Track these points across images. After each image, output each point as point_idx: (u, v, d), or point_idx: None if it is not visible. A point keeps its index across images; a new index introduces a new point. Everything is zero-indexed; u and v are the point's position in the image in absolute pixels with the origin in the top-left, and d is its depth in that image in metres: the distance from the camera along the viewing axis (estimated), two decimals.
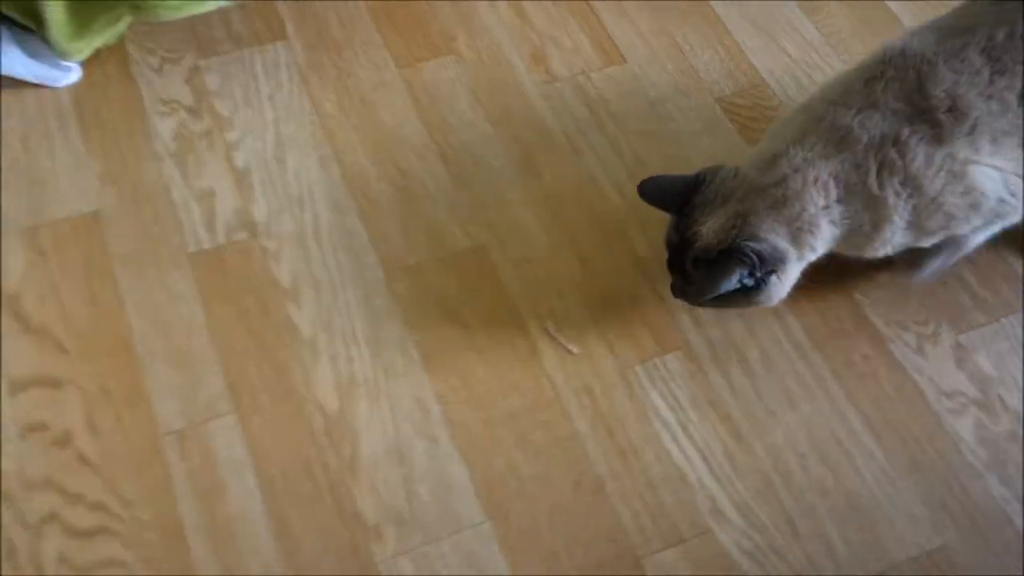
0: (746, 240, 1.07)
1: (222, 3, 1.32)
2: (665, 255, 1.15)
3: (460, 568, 1.05)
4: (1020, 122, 1.06)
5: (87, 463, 1.10)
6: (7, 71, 1.36)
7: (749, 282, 1.08)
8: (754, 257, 1.07)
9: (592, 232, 1.29)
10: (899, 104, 1.08)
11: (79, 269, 1.23)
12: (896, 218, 1.08)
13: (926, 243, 1.14)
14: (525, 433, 1.13)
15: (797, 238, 1.09)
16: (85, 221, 1.27)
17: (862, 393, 1.17)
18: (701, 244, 1.10)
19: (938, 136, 1.06)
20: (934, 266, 1.21)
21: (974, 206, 1.09)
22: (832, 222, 1.09)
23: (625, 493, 1.10)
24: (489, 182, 1.32)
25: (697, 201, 1.12)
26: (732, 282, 1.07)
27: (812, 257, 1.12)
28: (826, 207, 1.08)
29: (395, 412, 1.14)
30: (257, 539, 1.06)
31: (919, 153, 1.06)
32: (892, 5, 1.53)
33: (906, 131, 1.07)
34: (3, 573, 1.03)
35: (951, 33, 1.10)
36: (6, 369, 1.15)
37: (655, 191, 1.15)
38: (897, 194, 1.07)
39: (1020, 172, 1.09)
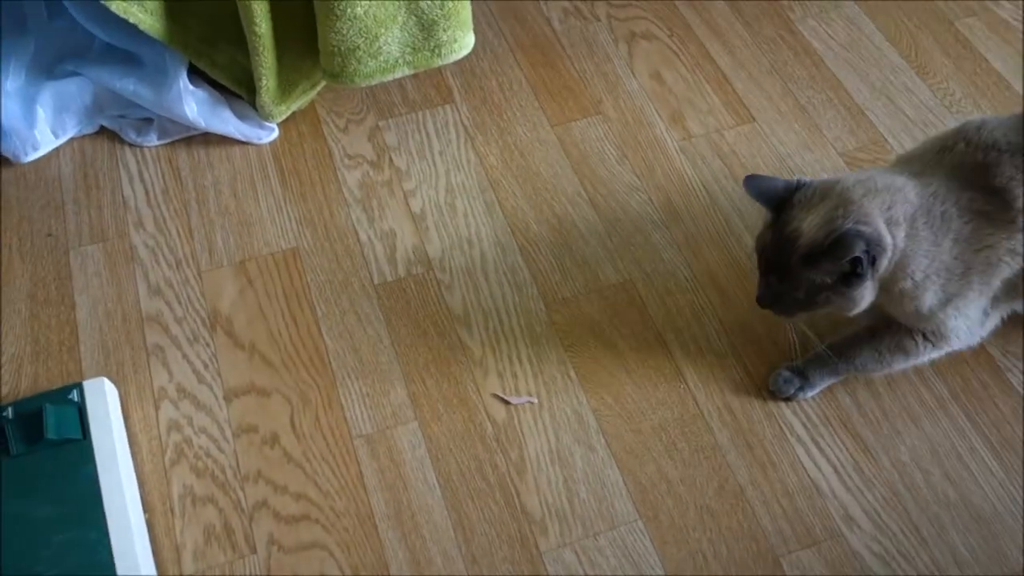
0: (855, 223, 1.12)
1: (405, 71, 1.53)
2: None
3: (617, 560, 1.19)
4: None
5: (291, 460, 1.28)
6: (220, 130, 1.59)
7: (864, 263, 1.12)
8: (866, 236, 1.11)
9: (728, 269, 1.43)
10: (965, 174, 1.17)
11: (281, 296, 1.43)
12: (932, 267, 1.15)
13: (923, 314, 1.20)
14: (672, 443, 1.27)
15: (889, 230, 1.13)
16: (285, 256, 1.48)
17: (981, 415, 1.28)
18: (806, 240, 1.14)
19: (989, 215, 1.15)
20: (825, 381, 1.30)
21: (980, 294, 1.18)
22: (900, 236, 1.14)
23: (764, 499, 1.22)
24: (636, 226, 1.48)
25: (796, 200, 1.18)
26: (853, 255, 1.11)
27: (887, 271, 1.15)
28: (901, 218, 1.14)
29: (556, 423, 1.30)
30: (438, 528, 1.22)
31: (972, 220, 1.15)
32: (1002, 70, 1.66)
33: (966, 196, 1.16)
34: (223, 553, 1.21)
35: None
36: (223, 380, 1.35)
37: (759, 186, 1.21)
38: (950, 250, 1.15)
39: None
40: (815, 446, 1.26)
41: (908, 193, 1.16)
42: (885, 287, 1.17)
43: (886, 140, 1.57)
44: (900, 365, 1.27)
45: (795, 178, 1.21)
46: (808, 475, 1.24)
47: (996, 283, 1.18)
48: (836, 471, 1.24)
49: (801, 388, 1.29)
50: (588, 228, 1.49)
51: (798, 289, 1.17)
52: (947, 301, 1.18)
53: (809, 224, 1.15)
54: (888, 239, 1.13)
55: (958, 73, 1.66)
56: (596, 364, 1.35)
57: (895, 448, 1.26)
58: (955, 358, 1.31)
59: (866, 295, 1.16)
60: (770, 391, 1.30)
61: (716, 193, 1.52)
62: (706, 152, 1.58)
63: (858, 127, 1.59)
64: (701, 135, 1.60)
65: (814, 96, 1.64)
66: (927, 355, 1.24)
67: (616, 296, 1.41)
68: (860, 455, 1.25)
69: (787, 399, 1.30)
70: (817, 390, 1.30)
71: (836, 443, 1.26)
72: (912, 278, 1.16)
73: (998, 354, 1.33)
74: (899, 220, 1.14)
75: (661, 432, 1.28)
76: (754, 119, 1.62)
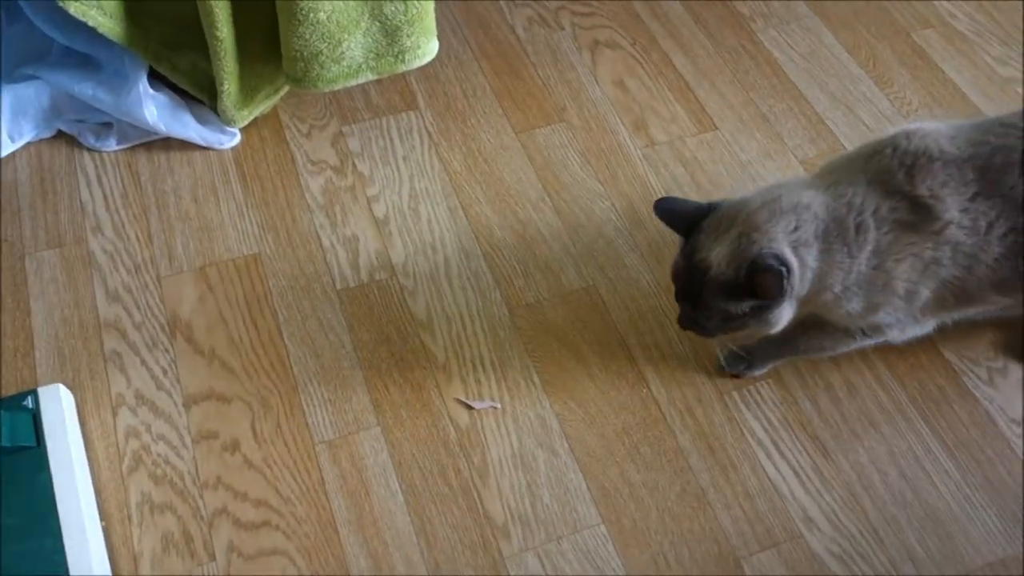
0: (762, 249, 1.10)
1: (369, 77, 1.53)
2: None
3: (579, 563, 1.19)
4: (980, 253, 1.11)
5: (252, 466, 1.27)
6: (181, 135, 1.58)
7: (788, 288, 1.10)
8: (779, 259, 1.10)
9: None
10: (887, 182, 1.13)
11: (242, 301, 1.42)
12: (851, 279, 1.13)
13: (853, 317, 1.18)
14: (635, 446, 1.27)
15: (796, 251, 1.11)
16: (247, 261, 1.47)
17: (938, 419, 1.29)
18: (716, 272, 1.12)
19: (913, 225, 1.12)
20: (770, 363, 1.32)
21: (910, 305, 1.16)
22: (812, 256, 1.12)
23: (726, 502, 1.23)
24: (599, 231, 1.49)
25: (704, 226, 1.16)
26: (783, 288, 1.09)
27: (803, 288, 1.13)
28: (810, 238, 1.12)
29: (519, 427, 1.30)
30: (400, 533, 1.21)
31: (892, 230, 1.12)
32: (958, 81, 1.69)
33: (886, 206, 1.13)
34: (182, 562, 1.19)
35: (965, 141, 1.14)
36: (182, 386, 1.34)
37: (668, 210, 1.20)
38: (868, 261, 1.12)
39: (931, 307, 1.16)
40: (775, 449, 1.27)
41: (816, 209, 1.13)
42: (809, 300, 1.16)
43: (845, 148, 1.59)
44: (842, 350, 1.28)
45: (706, 201, 1.20)
46: (768, 478, 1.25)
47: (924, 292, 1.15)
48: (796, 473, 1.25)
49: (748, 366, 1.31)
50: (551, 234, 1.50)
51: (712, 317, 1.16)
52: (875, 306, 1.17)
53: (717, 255, 1.13)
54: (794, 262, 1.11)
55: (915, 83, 1.69)
56: (559, 369, 1.35)
57: (854, 451, 1.27)
58: (913, 364, 1.33)
59: (783, 317, 1.15)
60: (719, 366, 1.33)
61: None
62: (669, 159, 1.59)
63: (818, 135, 1.61)
64: (664, 142, 1.61)
65: (775, 105, 1.66)
66: (866, 342, 1.25)
67: (579, 301, 1.42)
68: (819, 458, 1.26)
69: (734, 376, 1.32)
70: (764, 369, 1.33)
71: (796, 446, 1.27)
72: (832, 291, 1.14)
73: (954, 359, 1.34)
74: (808, 240, 1.12)
75: (624, 436, 1.29)
76: (716, 127, 1.63)
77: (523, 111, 1.66)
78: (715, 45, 1.76)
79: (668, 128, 1.63)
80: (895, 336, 1.23)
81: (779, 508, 1.22)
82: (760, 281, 1.10)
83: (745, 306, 1.13)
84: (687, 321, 1.20)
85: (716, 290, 1.13)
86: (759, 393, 1.32)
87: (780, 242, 1.11)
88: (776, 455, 1.27)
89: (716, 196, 1.51)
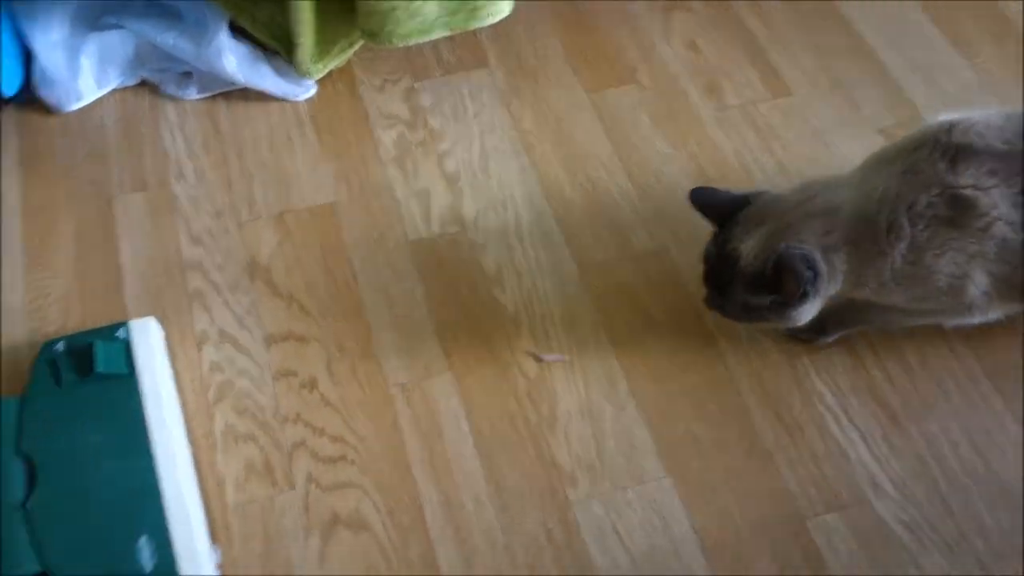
0: (791, 247, 1.11)
1: (442, 33, 1.54)
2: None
3: (644, 513, 1.21)
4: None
5: (329, 404, 1.30)
6: (258, 86, 1.61)
7: (810, 288, 1.12)
8: (807, 260, 1.11)
9: None
10: (924, 177, 1.10)
11: (318, 249, 1.45)
12: (886, 276, 1.13)
13: (901, 307, 1.19)
14: (701, 404, 1.29)
15: (826, 255, 1.12)
16: (322, 210, 1.50)
17: (1014, 393, 1.28)
18: (744, 263, 1.14)
19: (952, 220, 1.09)
20: (841, 330, 1.31)
21: (957, 298, 1.14)
22: (841, 259, 1.13)
23: (792, 463, 1.24)
24: (669, 193, 1.49)
25: (740, 218, 1.18)
26: (803, 286, 1.11)
27: (833, 288, 1.14)
28: (840, 242, 1.12)
29: (587, 381, 1.31)
30: (470, 475, 1.24)
31: (929, 226, 1.09)
32: None
33: (923, 201, 1.10)
34: (263, 487, 1.23)
35: (1013, 133, 1.11)
36: (263, 326, 1.37)
37: (703, 199, 1.22)
38: (903, 257, 1.11)
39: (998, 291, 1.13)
40: (844, 414, 1.27)
41: (847, 211, 1.13)
42: (848, 293, 1.17)
43: (924, 119, 1.57)
44: (913, 324, 1.28)
45: (743, 191, 1.21)
46: (836, 442, 1.25)
47: (969, 286, 1.13)
48: (864, 439, 1.25)
49: (820, 333, 1.31)
50: (621, 194, 1.50)
51: (734, 306, 1.19)
52: (919, 298, 1.16)
53: (747, 247, 1.15)
54: (823, 267, 1.12)
55: (999, 55, 1.65)
56: (627, 326, 1.36)
57: (924, 420, 1.27)
58: (988, 336, 1.31)
59: (804, 315, 1.17)
60: (787, 331, 1.32)
61: (749, 164, 1.53)
62: (740, 124, 1.58)
63: (897, 105, 1.59)
64: (736, 106, 1.61)
65: (852, 71, 1.64)
66: (930, 321, 1.25)
67: (649, 262, 1.43)
68: (889, 425, 1.26)
69: (805, 341, 1.32)
70: (835, 337, 1.32)
71: (865, 412, 1.27)
72: (868, 287, 1.15)
73: None
74: (837, 245, 1.12)
75: (691, 394, 1.30)
76: (790, 92, 1.62)
77: (594, 71, 1.67)
78: (791, 8, 1.74)
79: (741, 92, 1.63)
80: (951, 322, 1.23)
81: (846, 472, 1.23)
82: (784, 279, 1.12)
83: (766, 300, 1.15)
84: (713, 303, 1.23)
85: (741, 281, 1.16)
86: (829, 359, 1.32)
87: (811, 244, 1.12)
88: (845, 420, 1.27)
89: (788, 164, 1.53)
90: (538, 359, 1.33)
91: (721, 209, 1.21)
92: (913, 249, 1.11)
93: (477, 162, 1.55)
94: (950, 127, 1.13)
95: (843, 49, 1.68)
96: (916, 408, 1.28)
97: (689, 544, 1.18)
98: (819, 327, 1.30)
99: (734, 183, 1.50)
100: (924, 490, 1.21)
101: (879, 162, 1.19)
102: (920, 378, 1.30)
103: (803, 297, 1.13)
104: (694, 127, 1.58)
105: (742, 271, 1.15)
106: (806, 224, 1.13)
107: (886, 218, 1.11)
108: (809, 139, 1.56)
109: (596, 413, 1.29)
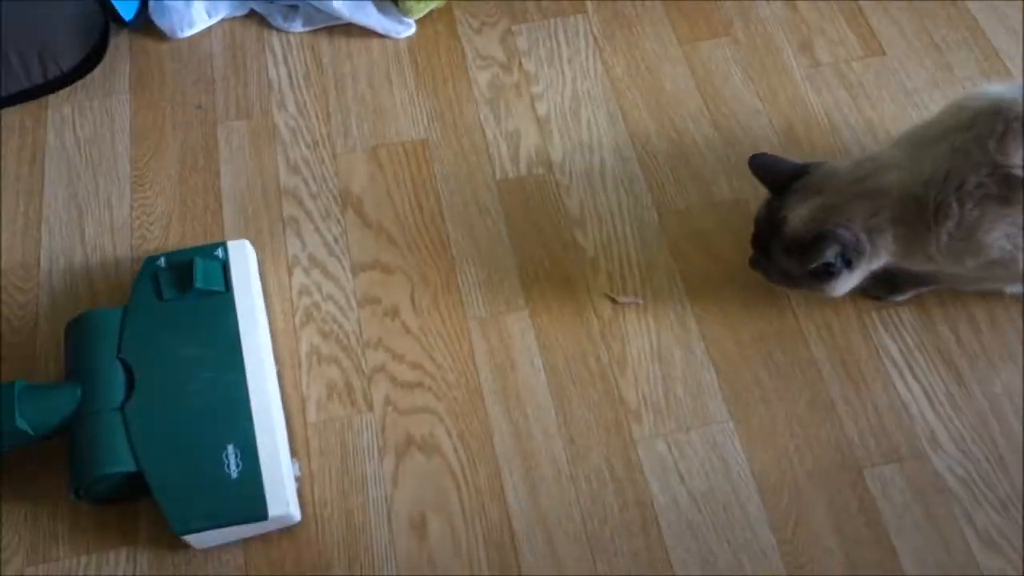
0: (835, 226, 1.17)
1: None
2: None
3: (706, 454, 1.26)
4: None
5: (410, 332, 1.38)
6: (361, 22, 1.67)
7: (837, 264, 1.17)
8: (843, 240, 1.16)
9: None
10: (975, 152, 1.12)
11: (409, 182, 1.52)
12: (933, 250, 1.16)
13: (960, 275, 1.22)
14: (769, 353, 1.33)
15: (871, 236, 1.17)
16: (415, 145, 1.56)
17: None
18: (789, 230, 1.19)
19: (1004, 198, 1.11)
20: (913, 289, 1.33)
21: (1009, 268, 1.17)
22: (887, 241, 1.18)
23: (854, 414, 1.27)
24: (754, 147, 1.51)
25: (795, 187, 1.22)
26: (824, 260, 1.16)
27: (876, 264, 1.20)
28: (886, 224, 1.16)
29: (659, 324, 1.36)
30: (540, 407, 1.31)
31: (979, 205, 1.12)
32: None
33: (972, 181, 1.12)
34: (343, 408, 1.32)
35: None
36: (351, 254, 1.45)
37: (763, 166, 1.26)
38: (953, 234, 1.14)
39: None
40: (909, 370, 1.30)
41: (896, 194, 1.16)
42: (903, 263, 1.20)
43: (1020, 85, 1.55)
44: (988, 287, 1.29)
45: (803, 161, 1.25)
46: (899, 396, 1.28)
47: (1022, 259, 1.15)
48: (927, 395, 1.28)
49: (892, 291, 1.33)
50: (707, 145, 1.53)
51: (774, 270, 1.25)
52: (974, 267, 1.18)
53: (796, 215, 1.19)
54: (866, 246, 1.17)
55: None
56: (702, 273, 1.40)
57: (989, 381, 1.29)
58: None
59: (839, 288, 1.22)
60: (862, 289, 1.33)
61: (838, 123, 1.54)
62: (832, 81, 1.59)
63: (992, 70, 1.58)
64: (828, 64, 1.61)
65: (949, 34, 1.63)
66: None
67: (728, 212, 1.46)
68: (953, 384, 1.29)
69: (876, 298, 1.34)
70: (906, 296, 1.34)
71: (930, 370, 1.30)
72: (917, 259, 1.19)
73: None
74: (883, 227, 1.17)
75: (759, 342, 1.34)
76: (884, 52, 1.62)
77: (690, 23, 1.68)
78: None
79: (834, 50, 1.63)
80: (1010, 289, 1.26)
81: (906, 426, 1.26)
82: (813, 254, 1.17)
83: (804, 270, 1.20)
84: (757, 265, 1.28)
85: (783, 247, 1.21)
86: (899, 317, 1.34)
87: (857, 224, 1.17)
88: (909, 376, 1.30)
89: (877, 123, 1.53)
90: (614, 301, 1.38)
91: (779, 177, 1.25)
92: (961, 227, 1.14)
93: (568, 106, 1.59)
94: (997, 108, 1.14)
95: (943, 12, 1.66)
96: (982, 369, 1.30)
97: (747, 487, 1.23)
98: (891, 286, 1.32)
99: (820, 141, 1.52)
100: (982, 449, 1.24)
101: (923, 142, 1.20)
102: (988, 339, 1.32)
103: (829, 276, 1.19)
104: (785, 83, 1.60)
105: (785, 237, 1.20)
106: (855, 205, 1.17)
107: (934, 199, 1.14)
108: (900, 99, 1.56)
109: (666, 356, 1.34)
